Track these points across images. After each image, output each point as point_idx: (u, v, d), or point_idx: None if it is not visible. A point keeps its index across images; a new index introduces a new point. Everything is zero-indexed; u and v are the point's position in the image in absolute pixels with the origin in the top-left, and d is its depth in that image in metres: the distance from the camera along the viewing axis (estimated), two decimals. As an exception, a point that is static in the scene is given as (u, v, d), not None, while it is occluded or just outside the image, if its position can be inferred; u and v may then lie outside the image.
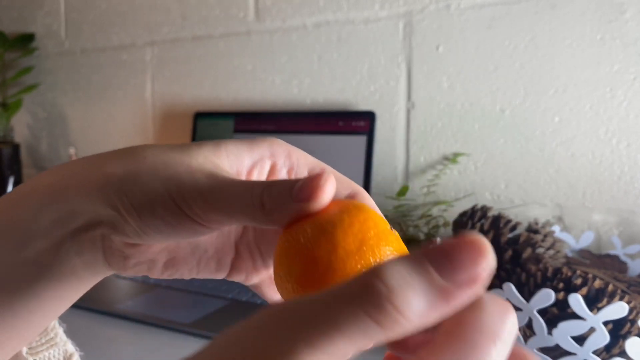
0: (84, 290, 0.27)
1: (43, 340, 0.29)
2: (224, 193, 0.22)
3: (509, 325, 0.14)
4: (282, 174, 0.25)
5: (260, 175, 0.25)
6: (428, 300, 0.14)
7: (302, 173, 0.25)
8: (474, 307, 0.14)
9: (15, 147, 1.22)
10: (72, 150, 1.10)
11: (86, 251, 0.24)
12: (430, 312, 0.14)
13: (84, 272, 0.25)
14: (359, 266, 0.19)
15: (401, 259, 0.14)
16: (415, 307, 0.14)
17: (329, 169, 0.26)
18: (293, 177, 0.26)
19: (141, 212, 0.23)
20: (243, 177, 0.24)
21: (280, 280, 0.21)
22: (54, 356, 0.28)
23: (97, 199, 0.23)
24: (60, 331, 0.29)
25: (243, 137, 0.93)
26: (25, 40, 1.27)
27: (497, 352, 0.14)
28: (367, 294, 0.13)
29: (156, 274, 0.26)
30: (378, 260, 0.19)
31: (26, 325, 0.25)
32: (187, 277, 0.27)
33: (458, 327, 0.14)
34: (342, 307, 0.14)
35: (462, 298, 0.14)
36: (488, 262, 0.14)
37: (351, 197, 0.25)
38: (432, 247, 0.14)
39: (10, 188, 1.20)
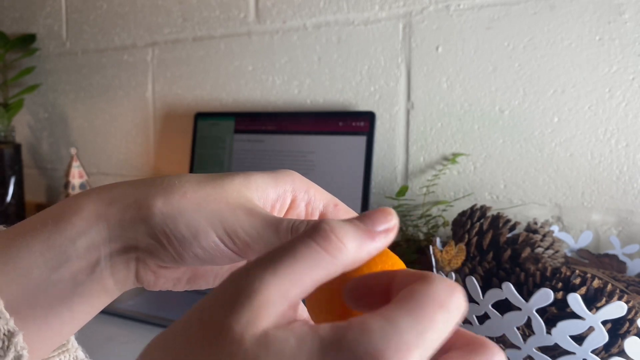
0: (110, 302, 0.28)
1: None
2: (264, 233, 0.24)
3: (456, 300, 0.17)
4: (300, 208, 0.28)
5: (282, 207, 0.28)
6: (359, 236, 0.19)
7: (317, 207, 0.28)
8: (425, 281, 0.18)
9: (17, 148, 1.23)
10: (73, 151, 1.10)
11: (120, 272, 0.26)
12: (361, 246, 0.19)
13: (114, 288, 0.27)
14: None
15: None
16: (351, 238, 0.19)
17: (341, 205, 0.29)
18: (310, 210, 0.28)
19: (183, 243, 0.25)
20: (268, 209, 0.27)
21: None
22: None
23: (138, 228, 0.25)
24: (72, 338, 0.29)
25: (243, 137, 0.93)
26: (26, 41, 1.27)
27: (442, 319, 0.17)
28: (316, 231, 0.19)
29: (179, 289, 0.29)
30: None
31: (57, 335, 0.27)
32: (204, 287, 0.30)
33: (410, 293, 0.17)
34: (298, 241, 0.18)
35: (380, 239, 0.20)
36: (394, 218, 0.21)
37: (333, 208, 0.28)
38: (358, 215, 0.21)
39: (11, 188, 1.20)
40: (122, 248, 0.26)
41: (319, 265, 0.18)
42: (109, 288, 0.27)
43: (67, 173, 1.08)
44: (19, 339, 0.23)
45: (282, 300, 0.17)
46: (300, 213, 0.28)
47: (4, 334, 0.23)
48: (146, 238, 0.25)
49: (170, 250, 0.25)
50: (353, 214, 0.27)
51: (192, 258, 0.26)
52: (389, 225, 0.20)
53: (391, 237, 0.20)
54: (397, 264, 0.23)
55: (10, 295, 0.24)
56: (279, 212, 0.27)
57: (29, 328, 0.25)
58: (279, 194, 0.27)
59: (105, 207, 0.25)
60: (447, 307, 0.17)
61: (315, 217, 0.28)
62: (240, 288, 0.17)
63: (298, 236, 0.19)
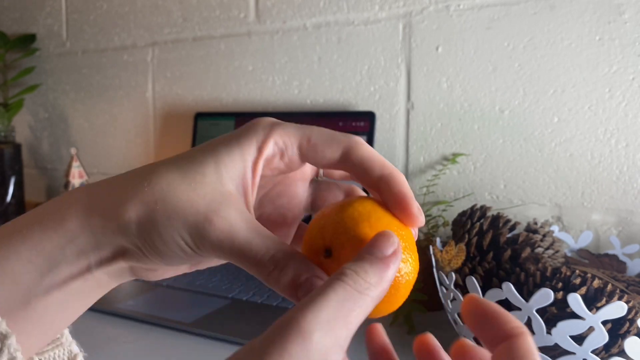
0: (105, 292, 0.29)
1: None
2: (239, 251, 0.24)
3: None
4: (275, 163, 0.27)
5: (256, 171, 0.27)
6: (376, 269, 0.21)
7: (293, 153, 0.27)
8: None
9: (17, 148, 1.23)
10: (73, 151, 1.10)
11: (114, 271, 0.27)
12: (382, 277, 0.21)
13: (109, 282, 0.27)
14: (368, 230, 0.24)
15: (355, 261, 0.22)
16: (372, 274, 0.21)
17: (314, 134, 0.27)
18: (287, 161, 0.27)
19: (162, 254, 0.25)
20: (243, 183, 0.26)
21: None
22: (58, 356, 0.29)
23: (121, 238, 0.25)
24: (66, 332, 0.29)
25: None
26: (26, 41, 1.27)
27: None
28: (344, 275, 0.21)
29: (181, 272, 0.30)
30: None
31: (51, 329, 0.27)
32: (206, 266, 0.30)
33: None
34: (330, 289, 0.20)
35: (393, 262, 0.22)
36: (395, 238, 0.22)
37: (382, 179, 0.27)
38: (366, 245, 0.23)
39: (11, 188, 1.20)
40: (111, 254, 0.26)
41: (357, 304, 0.20)
42: (103, 283, 0.27)
43: (67, 173, 1.08)
44: (12, 341, 0.23)
45: (339, 349, 0.19)
46: (277, 166, 0.27)
47: None
48: (129, 246, 0.26)
49: (154, 257, 0.26)
50: (327, 134, 0.27)
51: (177, 261, 0.26)
52: (394, 246, 0.22)
53: (400, 256, 0.22)
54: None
55: (1, 299, 0.25)
56: (255, 173, 0.26)
57: (22, 329, 0.25)
58: (248, 163, 0.26)
59: (87, 218, 0.25)
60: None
61: (295, 162, 0.27)
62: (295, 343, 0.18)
63: (325, 286, 0.20)
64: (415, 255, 0.25)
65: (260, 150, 0.26)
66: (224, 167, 0.25)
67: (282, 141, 0.26)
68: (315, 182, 0.31)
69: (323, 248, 0.24)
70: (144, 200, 0.25)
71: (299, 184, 0.30)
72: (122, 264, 0.26)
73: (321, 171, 0.30)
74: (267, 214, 0.30)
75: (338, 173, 0.30)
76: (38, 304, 0.25)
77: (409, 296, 0.25)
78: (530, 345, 0.21)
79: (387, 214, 0.26)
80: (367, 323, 0.25)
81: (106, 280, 0.27)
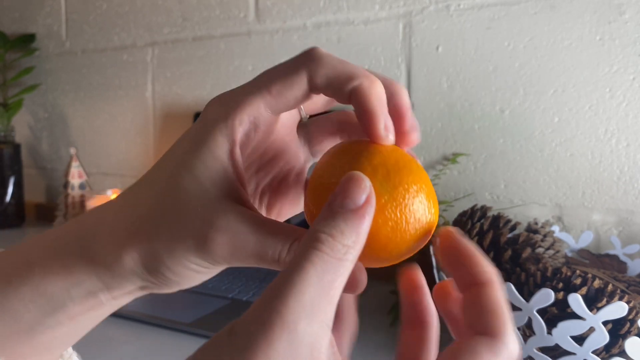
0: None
1: None
2: (254, 257, 0.23)
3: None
4: (252, 136, 0.24)
5: (234, 152, 0.24)
6: (352, 226, 0.19)
7: (263, 116, 0.24)
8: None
9: (16, 147, 1.22)
10: (72, 151, 1.10)
11: (126, 299, 0.26)
12: (359, 234, 0.19)
13: (121, 304, 0.27)
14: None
15: (322, 218, 0.20)
16: (348, 233, 0.19)
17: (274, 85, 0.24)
18: (261, 127, 0.24)
19: (178, 283, 0.25)
20: (232, 174, 0.23)
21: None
22: None
23: (130, 279, 0.25)
24: None
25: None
26: (26, 41, 1.27)
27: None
28: (319, 242, 0.19)
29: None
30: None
31: (58, 350, 0.27)
32: None
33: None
34: (307, 263, 0.18)
35: (367, 212, 0.19)
36: (365, 181, 0.20)
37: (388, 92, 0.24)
38: (334, 193, 0.20)
39: (10, 188, 1.20)
40: (123, 292, 0.25)
41: (338, 272, 0.19)
42: (115, 305, 0.27)
43: (67, 173, 1.08)
44: None
45: (326, 329, 0.18)
46: (257, 138, 0.25)
47: None
48: (143, 283, 0.25)
49: (171, 285, 0.25)
50: (282, 73, 0.23)
51: (196, 281, 0.25)
52: (367, 193, 0.20)
53: (373, 202, 0.20)
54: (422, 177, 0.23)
55: (2, 339, 0.24)
56: (236, 165, 0.24)
57: (29, 356, 0.25)
58: (224, 159, 0.23)
59: (92, 266, 0.24)
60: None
61: (271, 123, 0.25)
62: (274, 332, 0.17)
63: (301, 257, 0.19)
64: (431, 202, 0.22)
65: (230, 139, 0.23)
66: (201, 173, 0.23)
67: (245, 116, 0.23)
68: (303, 125, 0.28)
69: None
70: (139, 239, 0.23)
71: (288, 138, 0.27)
72: (137, 293, 0.26)
73: (302, 112, 0.27)
74: (270, 183, 0.28)
75: (320, 103, 0.27)
76: (43, 338, 0.25)
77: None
78: (498, 295, 0.20)
79: (398, 150, 0.23)
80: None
81: (118, 304, 0.26)
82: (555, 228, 0.69)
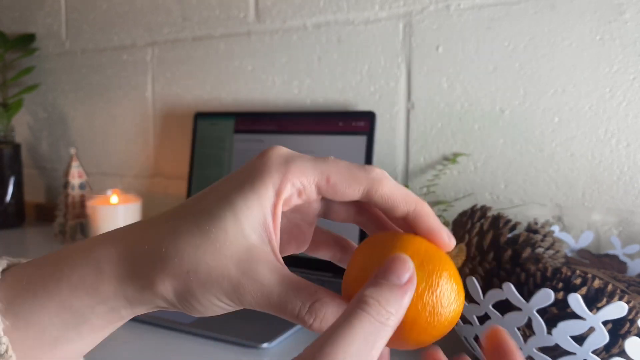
0: None
1: None
2: (277, 308, 0.25)
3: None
4: (293, 201, 0.27)
5: (276, 215, 0.26)
6: (395, 298, 0.22)
7: (311, 191, 0.27)
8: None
9: (16, 148, 1.22)
10: (72, 150, 1.10)
11: (141, 312, 0.28)
12: (400, 305, 0.22)
13: (138, 314, 0.28)
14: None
15: (372, 287, 0.23)
16: (392, 303, 0.22)
17: (332, 174, 0.27)
18: (305, 198, 0.27)
19: (202, 313, 0.26)
20: (265, 228, 0.26)
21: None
22: None
23: (156, 302, 0.26)
24: None
25: (243, 137, 0.93)
26: (25, 41, 1.27)
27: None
28: (366, 304, 0.22)
29: None
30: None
31: (78, 357, 0.28)
32: None
33: None
34: (355, 320, 0.21)
35: (409, 289, 0.22)
36: (410, 264, 0.23)
37: (413, 216, 0.27)
38: (381, 269, 0.23)
39: (10, 188, 1.20)
40: (145, 309, 0.27)
41: (379, 335, 0.21)
42: (131, 316, 0.28)
43: (67, 173, 1.08)
44: None
45: None
46: (295, 203, 0.27)
47: None
48: (166, 306, 0.27)
49: (194, 313, 0.27)
50: (346, 172, 0.26)
51: (212, 314, 0.27)
52: (410, 272, 0.23)
53: (415, 282, 0.23)
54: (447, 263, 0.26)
55: (25, 350, 0.25)
56: (275, 218, 0.26)
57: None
58: (267, 210, 0.25)
59: (121, 287, 0.26)
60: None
61: (312, 199, 0.27)
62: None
63: (350, 315, 0.21)
64: (460, 286, 0.25)
65: (278, 194, 0.25)
66: (245, 219, 0.25)
67: (299, 182, 0.26)
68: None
69: None
70: (177, 273, 0.25)
71: (312, 205, 0.30)
72: (156, 309, 0.28)
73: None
74: (284, 227, 0.30)
75: (343, 215, 0.30)
76: (64, 349, 0.26)
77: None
78: None
79: (424, 240, 0.26)
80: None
81: (134, 315, 0.28)
82: (555, 228, 0.69)
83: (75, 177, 1.08)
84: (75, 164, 1.08)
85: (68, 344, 0.26)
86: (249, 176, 0.26)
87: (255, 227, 0.25)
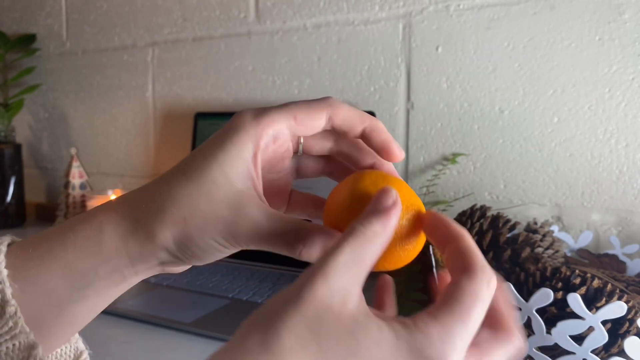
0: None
1: None
2: (268, 240, 0.28)
3: (492, 291, 0.24)
4: (270, 148, 0.30)
5: (259, 161, 0.29)
6: (381, 220, 0.24)
7: (284, 134, 0.30)
8: (469, 278, 0.23)
9: (17, 148, 1.23)
10: (73, 151, 1.10)
11: (149, 273, 0.30)
12: (385, 226, 0.24)
13: (139, 280, 0.30)
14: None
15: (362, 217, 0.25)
16: (375, 223, 0.24)
17: (298, 106, 0.30)
18: (279, 142, 0.30)
19: (201, 258, 0.29)
20: (253, 174, 0.29)
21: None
22: (65, 352, 0.30)
23: (158, 255, 0.28)
24: None
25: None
26: (26, 41, 1.27)
27: (482, 311, 0.23)
28: (355, 232, 0.24)
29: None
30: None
31: (77, 327, 0.30)
32: None
33: (457, 295, 0.23)
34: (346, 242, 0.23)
35: (394, 212, 0.25)
36: (393, 193, 0.25)
37: (368, 130, 0.31)
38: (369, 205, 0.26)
39: (11, 188, 1.20)
40: (147, 267, 0.29)
41: (367, 249, 0.23)
42: (133, 282, 0.30)
43: (67, 173, 1.08)
44: (39, 351, 0.26)
45: (357, 286, 0.23)
46: (272, 150, 0.30)
47: (25, 347, 0.26)
48: (168, 259, 0.29)
49: (192, 261, 0.29)
50: (308, 107, 0.30)
51: (214, 259, 0.29)
52: (393, 198, 0.25)
53: (399, 205, 0.25)
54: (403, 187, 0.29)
55: (32, 312, 0.27)
56: (256, 166, 0.29)
57: (53, 333, 0.28)
58: (248, 161, 0.28)
59: (123, 242, 0.28)
60: (486, 300, 0.23)
61: (286, 141, 0.31)
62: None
63: (339, 241, 0.23)
64: (415, 198, 0.29)
65: (255, 145, 0.28)
66: (230, 170, 0.28)
67: (272, 130, 0.29)
68: (296, 156, 0.34)
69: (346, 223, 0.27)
70: (174, 221, 0.27)
71: (286, 160, 0.33)
72: (156, 269, 0.30)
73: (300, 148, 0.32)
74: (265, 187, 0.33)
75: (315, 149, 0.33)
76: (70, 311, 0.28)
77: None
78: (470, 244, 0.25)
79: (391, 177, 0.29)
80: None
81: (136, 279, 0.30)
82: (555, 228, 0.70)
83: (76, 177, 1.08)
84: (75, 164, 1.09)
85: (74, 306, 0.28)
86: (228, 135, 0.29)
87: (240, 176, 0.28)
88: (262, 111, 0.30)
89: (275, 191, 0.33)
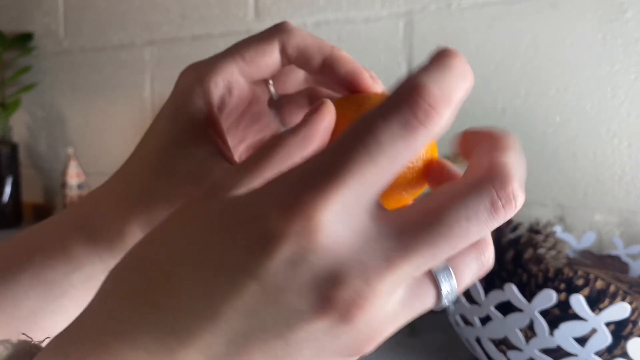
0: None
1: None
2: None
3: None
4: (227, 100, 0.26)
5: (217, 118, 0.25)
6: (443, 98, 0.17)
7: (237, 81, 0.25)
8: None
9: (14, 147, 1.22)
10: (70, 150, 1.09)
11: None
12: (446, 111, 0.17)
13: None
14: None
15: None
16: (441, 102, 0.17)
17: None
18: (236, 91, 0.25)
19: None
20: (214, 136, 0.24)
21: None
22: None
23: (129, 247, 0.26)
24: None
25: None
26: (23, 40, 1.27)
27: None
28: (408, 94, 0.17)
29: None
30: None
31: (77, 306, 0.27)
32: None
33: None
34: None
35: (463, 85, 0.18)
36: (460, 55, 0.18)
37: (329, 60, 0.25)
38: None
39: (8, 188, 1.20)
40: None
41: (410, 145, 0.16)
42: None
43: (65, 173, 1.08)
44: None
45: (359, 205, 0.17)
46: (233, 101, 0.26)
47: None
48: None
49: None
50: (255, 42, 0.25)
51: None
52: (466, 66, 0.18)
53: (471, 79, 0.18)
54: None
55: (2, 324, 0.25)
56: (216, 125, 0.25)
57: (31, 334, 0.25)
58: (201, 123, 0.24)
59: (92, 244, 0.25)
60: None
61: (245, 86, 0.26)
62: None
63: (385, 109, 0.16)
64: None
65: (208, 104, 0.24)
66: (189, 145, 0.24)
67: (220, 80, 0.25)
68: (273, 102, 0.29)
69: None
70: (139, 211, 0.24)
71: (263, 110, 0.29)
72: None
73: (272, 90, 0.28)
74: (251, 142, 0.30)
75: (290, 86, 0.28)
76: (45, 323, 0.26)
77: None
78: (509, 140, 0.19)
79: (369, 95, 0.25)
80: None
81: None
82: (557, 228, 0.69)
83: (74, 177, 1.07)
84: (73, 164, 1.08)
85: (49, 318, 0.25)
86: (175, 102, 0.25)
87: (200, 145, 0.24)
88: (203, 63, 0.25)
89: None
